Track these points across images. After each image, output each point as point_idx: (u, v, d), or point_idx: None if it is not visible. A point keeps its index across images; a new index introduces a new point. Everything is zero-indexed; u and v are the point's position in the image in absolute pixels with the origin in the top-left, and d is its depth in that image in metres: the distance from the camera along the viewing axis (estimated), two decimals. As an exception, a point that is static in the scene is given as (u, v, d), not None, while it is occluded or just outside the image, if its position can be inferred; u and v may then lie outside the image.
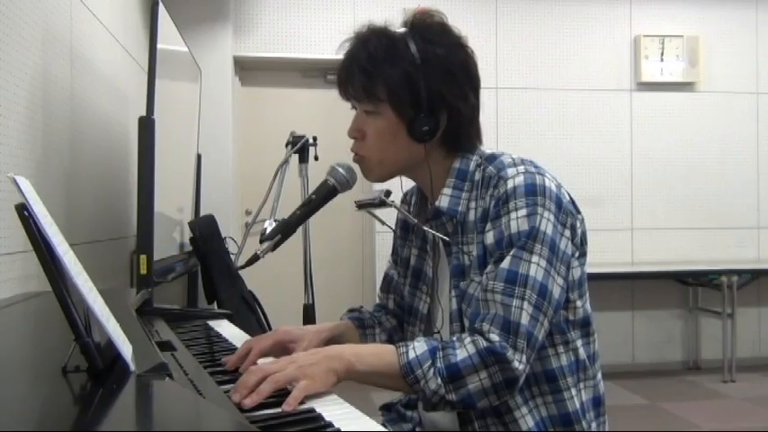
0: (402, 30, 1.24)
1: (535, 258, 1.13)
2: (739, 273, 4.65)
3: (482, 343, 1.09)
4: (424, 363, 1.09)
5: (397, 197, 1.41)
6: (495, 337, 1.10)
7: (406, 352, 1.10)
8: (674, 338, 5.01)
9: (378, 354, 1.13)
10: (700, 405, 4.09)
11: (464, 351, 1.09)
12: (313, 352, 1.12)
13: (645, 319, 4.97)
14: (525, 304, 1.11)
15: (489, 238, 1.18)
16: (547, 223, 1.15)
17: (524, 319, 1.10)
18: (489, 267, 1.16)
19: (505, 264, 1.14)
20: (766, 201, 5.10)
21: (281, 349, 1.29)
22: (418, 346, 1.11)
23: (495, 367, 1.09)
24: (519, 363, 1.09)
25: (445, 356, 1.10)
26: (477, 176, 1.25)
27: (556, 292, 1.15)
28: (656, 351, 4.97)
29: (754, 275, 4.80)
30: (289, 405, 0.96)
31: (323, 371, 1.04)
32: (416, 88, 1.20)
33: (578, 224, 1.23)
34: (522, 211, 1.15)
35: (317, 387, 1.02)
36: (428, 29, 1.24)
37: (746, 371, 4.72)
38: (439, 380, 1.09)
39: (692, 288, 4.98)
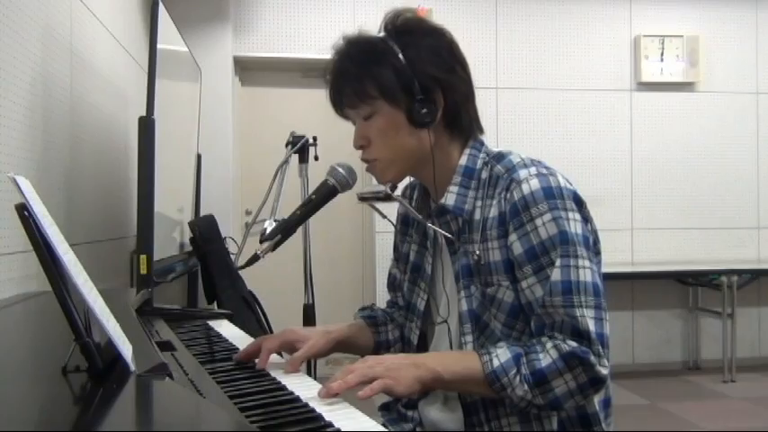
0: (379, 34, 1.26)
1: (579, 262, 1.16)
2: (739, 273, 4.65)
3: (564, 347, 1.12)
4: (510, 370, 1.11)
5: (400, 191, 1.41)
6: (573, 343, 1.12)
7: (490, 360, 1.13)
8: (674, 338, 5.01)
9: (462, 362, 1.15)
10: (700, 405, 4.09)
11: (548, 357, 1.12)
12: (402, 357, 1.15)
13: (645, 319, 4.97)
14: (587, 311, 1.14)
15: (517, 248, 1.18)
16: (574, 224, 1.18)
17: (592, 325, 1.13)
18: (531, 280, 1.17)
19: (556, 276, 1.15)
20: (766, 201, 5.09)
21: (289, 348, 1.31)
22: (501, 354, 1.13)
23: (579, 369, 1.12)
24: (602, 367, 1.13)
25: (529, 362, 1.12)
26: (485, 175, 1.25)
27: (601, 284, 1.19)
28: (656, 351, 4.97)
29: (754, 275, 4.80)
30: (365, 393, 1.02)
31: (410, 377, 1.08)
32: (405, 76, 1.21)
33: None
34: (547, 216, 1.16)
35: (399, 390, 1.06)
36: (403, 24, 1.26)
37: (746, 371, 4.72)
38: (525, 386, 1.11)
39: (692, 288, 4.98)
